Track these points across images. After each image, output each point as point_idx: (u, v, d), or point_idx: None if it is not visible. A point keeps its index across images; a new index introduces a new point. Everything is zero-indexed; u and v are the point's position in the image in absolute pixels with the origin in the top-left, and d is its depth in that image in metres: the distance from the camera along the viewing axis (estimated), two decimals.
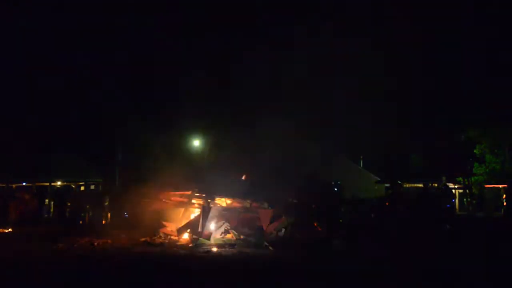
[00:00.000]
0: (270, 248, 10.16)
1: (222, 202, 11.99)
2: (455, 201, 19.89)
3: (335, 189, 17.99)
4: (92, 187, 25.92)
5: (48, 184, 24.30)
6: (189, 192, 11.66)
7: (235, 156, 13.43)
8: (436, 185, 17.81)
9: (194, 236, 10.92)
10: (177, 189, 11.60)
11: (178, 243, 10.74)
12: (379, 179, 34.31)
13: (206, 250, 9.97)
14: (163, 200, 12.43)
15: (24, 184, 23.69)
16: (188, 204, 11.73)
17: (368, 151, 41.42)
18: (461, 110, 30.02)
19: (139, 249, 10.18)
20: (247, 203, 11.31)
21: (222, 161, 13.40)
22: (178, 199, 12.18)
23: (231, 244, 10.54)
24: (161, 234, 11.70)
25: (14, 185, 23.36)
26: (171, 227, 12.22)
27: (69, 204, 22.56)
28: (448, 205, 16.90)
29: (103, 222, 17.33)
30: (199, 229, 11.07)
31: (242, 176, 12.29)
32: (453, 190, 22.66)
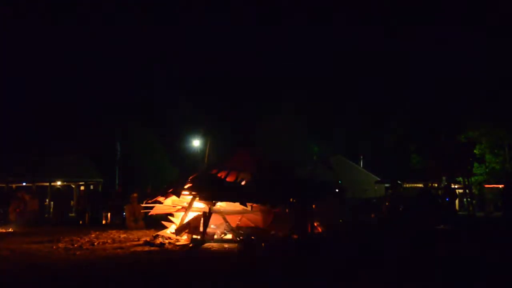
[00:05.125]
0: (270, 248, 10.15)
1: (223, 204, 11.97)
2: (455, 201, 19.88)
3: (336, 189, 18.01)
4: (92, 187, 25.92)
5: (48, 184, 24.29)
6: (191, 197, 11.61)
7: (235, 156, 13.35)
8: (436, 185, 17.82)
9: (194, 236, 10.91)
10: (177, 192, 11.54)
11: (178, 243, 10.73)
12: (379, 179, 34.32)
13: (205, 250, 9.96)
14: (163, 203, 12.41)
15: (24, 184, 23.68)
16: (188, 207, 11.70)
17: (368, 151, 41.53)
18: (461, 110, 30.08)
19: (139, 249, 10.17)
20: (248, 207, 11.28)
21: (223, 162, 13.32)
22: (178, 202, 12.15)
23: (231, 245, 10.53)
24: (161, 234, 11.68)
25: (14, 185, 23.36)
26: (171, 227, 12.23)
27: (70, 204, 22.59)
28: (453, 205, 16.96)
29: (103, 222, 17.36)
30: (199, 229, 11.06)
31: (242, 181, 12.22)
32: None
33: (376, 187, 32.03)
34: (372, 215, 16.84)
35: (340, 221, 13.71)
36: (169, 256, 9.28)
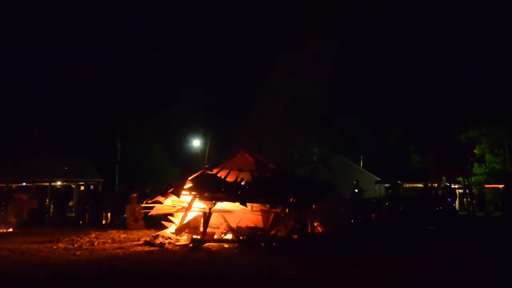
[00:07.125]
0: (270, 248, 10.15)
1: (223, 204, 11.95)
2: (456, 201, 19.89)
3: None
4: (92, 187, 25.95)
5: (48, 184, 24.31)
6: (191, 197, 11.59)
7: (235, 156, 13.34)
8: (436, 185, 17.80)
9: (194, 236, 10.91)
10: (177, 192, 11.53)
11: (178, 243, 10.73)
12: (379, 179, 34.32)
13: (205, 250, 9.96)
14: (163, 203, 12.40)
15: (24, 184, 23.71)
16: (188, 207, 11.69)
17: (368, 151, 41.52)
18: (461, 110, 30.11)
19: (139, 249, 10.17)
20: (248, 207, 11.27)
21: (223, 162, 13.31)
22: (178, 202, 12.14)
23: (230, 245, 10.53)
24: (161, 234, 11.68)
25: (14, 185, 23.39)
26: (171, 227, 12.23)
27: (69, 204, 22.57)
28: (454, 204, 16.96)
29: (103, 222, 17.37)
30: (199, 229, 11.06)
31: (242, 181, 12.19)
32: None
33: (376, 187, 32.02)
34: (372, 215, 16.85)
35: (341, 221, 13.71)
36: (169, 256, 9.28)
